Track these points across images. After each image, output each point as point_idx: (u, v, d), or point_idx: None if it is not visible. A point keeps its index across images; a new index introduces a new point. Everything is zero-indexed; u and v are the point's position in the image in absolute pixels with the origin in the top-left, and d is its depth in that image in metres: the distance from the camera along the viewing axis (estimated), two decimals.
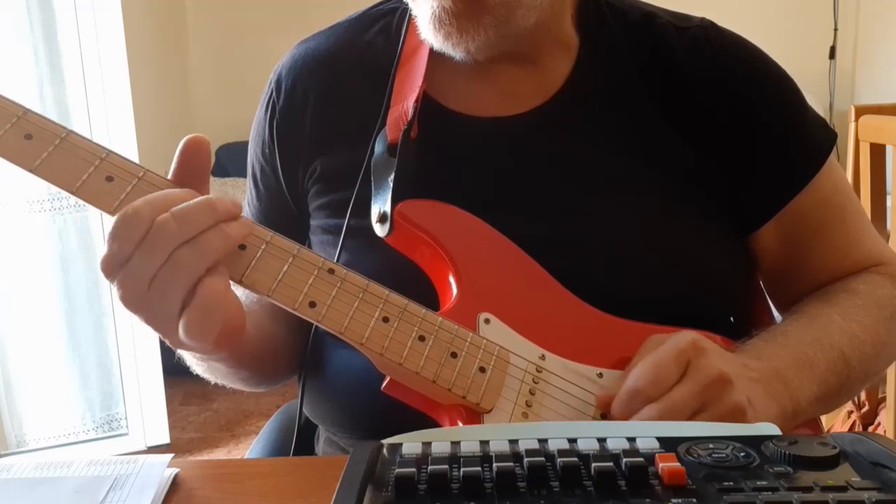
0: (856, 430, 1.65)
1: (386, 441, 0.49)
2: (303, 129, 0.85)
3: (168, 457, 0.66)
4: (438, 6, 0.73)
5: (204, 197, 0.60)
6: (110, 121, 2.33)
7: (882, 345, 0.79)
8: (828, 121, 0.86)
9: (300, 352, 0.84)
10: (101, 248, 0.58)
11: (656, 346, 0.66)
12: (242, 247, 0.63)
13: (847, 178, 0.86)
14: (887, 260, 0.85)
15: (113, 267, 0.58)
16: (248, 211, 0.92)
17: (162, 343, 0.67)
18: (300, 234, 0.86)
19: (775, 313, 0.89)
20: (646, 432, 0.49)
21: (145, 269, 0.57)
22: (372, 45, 0.86)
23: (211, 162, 0.65)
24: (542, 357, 0.69)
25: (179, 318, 0.59)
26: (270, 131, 0.87)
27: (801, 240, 0.83)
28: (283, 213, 0.88)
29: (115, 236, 0.57)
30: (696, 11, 0.86)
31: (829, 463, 0.45)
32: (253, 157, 0.91)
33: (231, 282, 0.64)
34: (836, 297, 0.80)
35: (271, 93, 0.88)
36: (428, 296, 0.71)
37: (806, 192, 0.81)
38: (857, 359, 0.75)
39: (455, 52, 0.77)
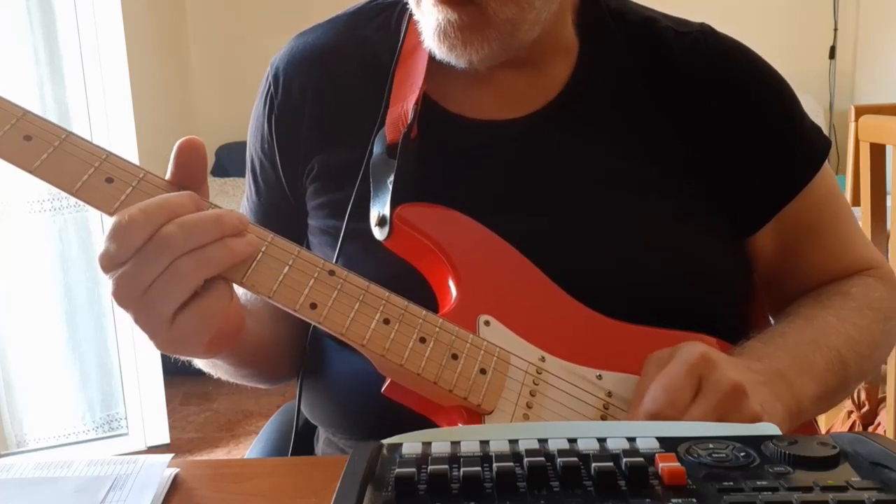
0: (856, 430, 1.65)
1: (386, 441, 0.49)
2: (301, 125, 0.84)
3: (168, 457, 0.66)
4: (444, 19, 0.73)
5: (213, 211, 0.60)
6: (110, 121, 2.33)
7: (876, 345, 0.80)
8: (828, 121, 0.87)
9: (303, 351, 0.84)
10: (100, 245, 0.59)
11: (659, 363, 0.65)
12: None
13: (839, 184, 0.87)
14: (877, 264, 0.87)
15: (110, 266, 0.58)
16: (246, 206, 0.91)
17: None
18: (300, 231, 0.85)
19: None
20: (646, 432, 0.49)
21: (144, 273, 0.57)
22: (371, 40, 0.85)
23: (207, 162, 0.66)
24: (542, 359, 0.69)
25: (171, 324, 0.59)
26: (269, 126, 0.86)
27: (795, 242, 0.83)
28: (283, 208, 0.87)
29: (113, 238, 0.58)
30: (697, 11, 0.86)
31: (829, 463, 0.45)
32: (252, 151, 0.90)
33: (232, 284, 0.64)
34: (830, 299, 0.81)
35: (269, 87, 0.87)
36: (427, 299, 0.71)
37: (802, 196, 0.82)
38: (854, 359, 0.76)
39: (458, 62, 0.76)
